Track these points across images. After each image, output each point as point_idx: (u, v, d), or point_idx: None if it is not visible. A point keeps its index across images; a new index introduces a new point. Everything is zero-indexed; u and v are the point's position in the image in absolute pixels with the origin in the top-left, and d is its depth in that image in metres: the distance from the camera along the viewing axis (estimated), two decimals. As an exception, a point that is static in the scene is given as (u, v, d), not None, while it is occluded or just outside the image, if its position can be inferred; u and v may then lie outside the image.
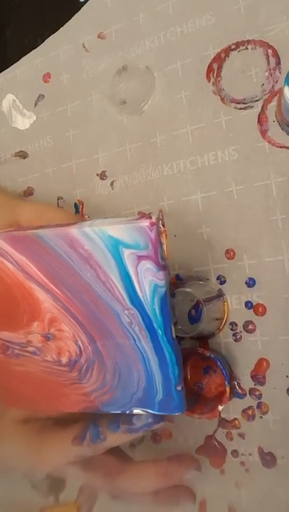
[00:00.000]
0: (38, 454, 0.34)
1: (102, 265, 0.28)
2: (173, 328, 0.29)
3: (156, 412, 0.33)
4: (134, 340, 0.30)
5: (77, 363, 0.33)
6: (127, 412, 0.34)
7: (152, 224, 0.26)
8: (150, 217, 0.26)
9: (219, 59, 0.41)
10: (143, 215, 0.26)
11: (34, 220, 0.33)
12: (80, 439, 0.32)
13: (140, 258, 0.27)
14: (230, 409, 0.39)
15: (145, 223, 0.25)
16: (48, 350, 0.33)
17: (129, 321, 0.29)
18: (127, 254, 0.27)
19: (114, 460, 0.33)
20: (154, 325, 0.29)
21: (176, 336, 0.30)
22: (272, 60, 0.39)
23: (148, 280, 0.27)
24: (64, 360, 0.33)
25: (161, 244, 0.26)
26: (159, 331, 0.29)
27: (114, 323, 0.30)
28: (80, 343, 0.32)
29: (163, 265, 0.27)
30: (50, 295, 0.30)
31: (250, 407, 0.39)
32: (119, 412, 0.34)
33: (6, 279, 0.31)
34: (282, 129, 0.38)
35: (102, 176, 0.46)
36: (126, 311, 0.29)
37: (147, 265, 0.27)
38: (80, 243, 0.27)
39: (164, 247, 0.27)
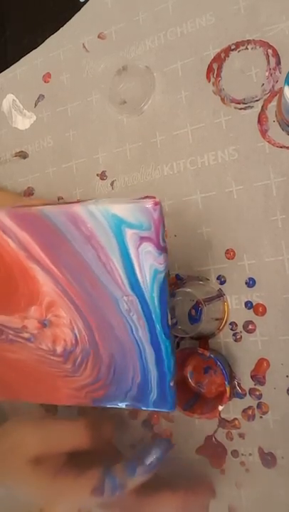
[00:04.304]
0: (53, 500, 0.33)
1: (103, 245, 0.27)
2: (169, 317, 0.29)
3: (148, 409, 0.32)
4: (132, 330, 0.30)
5: (72, 353, 0.32)
6: (119, 405, 0.33)
7: (156, 204, 0.25)
8: (154, 198, 0.26)
9: (219, 59, 0.41)
10: (148, 196, 0.26)
11: None
12: (100, 490, 0.31)
13: (142, 239, 0.26)
14: (231, 409, 0.39)
15: (149, 203, 0.25)
16: (43, 338, 0.32)
17: (127, 308, 0.29)
18: (129, 235, 0.27)
19: (131, 498, 0.32)
20: (153, 316, 0.29)
21: (176, 336, 0.30)
22: (272, 60, 0.39)
23: (148, 264, 0.27)
24: (59, 349, 0.32)
25: (163, 225, 0.26)
26: (157, 326, 0.29)
27: (112, 310, 0.30)
28: (76, 331, 0.31)
29: (164, 247, 0.27)
30: (50, 277, 0.30)
31: (250, 407, 0.39)
32: (111, 406, 0.33)
33: (7, 257, 0.30)
34: (282, 129, 0.38)
35: (102, 175, 0.46)
36: (125, 297, 0.29)
37: (148, 248, 0.27)
38: (83, 221, 0.27)
39: (165, 229, 0.27)
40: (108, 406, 0.33)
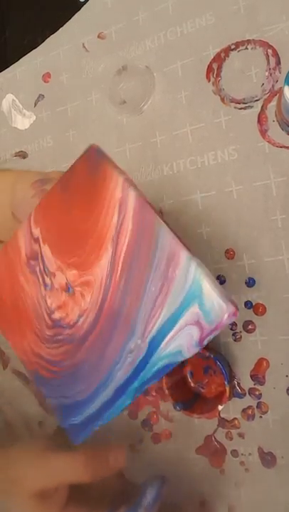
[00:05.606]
0: None
1: (169, 295, 0.28)
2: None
3: (60, 424, 0.33)
4: (116, 365, 0.30)
5: (60, 327, 0.33)
6: (45, 397, 0.34)
7: (234, 314, 0.26)
8: (236, 308, 0.27)
9: (219, 59, 0.41)
10: (233, 301, 0.27)
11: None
12: None
13: (197, 324, 0.27)
14: (230, 409, 0.39)
15: (231, 308, 0.26)
16: (55, 296, 0.33)
17: (131, 349, 0.30)
18: (193, 310, 0.27)
19: None
20: (141, 373, 0.29)
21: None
22: (272, 60, 0.39)
23: (180, 342, 0.28)
24: (56, 315, 0.33)
25: (217, 333, 0.27)
26: (136, 383, 0.30)
27: (120, 338, 0.30)
28: (81, 319, 0.32)
29: (202, 346, 0.28)
30: (110, 267, 0.30)
31: (249, 407, 0.39)
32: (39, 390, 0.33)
33: (100, 224, 0.31)
34: (282, 129, 0.38)
35: (102, 175, 0.46)
36: (139, 340, 0.29)
37: (194, 333, 0.27)
38: (177, 264, 0.28)
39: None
40: (36, 386, 0.33)
